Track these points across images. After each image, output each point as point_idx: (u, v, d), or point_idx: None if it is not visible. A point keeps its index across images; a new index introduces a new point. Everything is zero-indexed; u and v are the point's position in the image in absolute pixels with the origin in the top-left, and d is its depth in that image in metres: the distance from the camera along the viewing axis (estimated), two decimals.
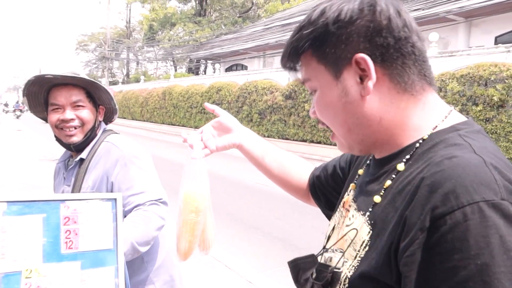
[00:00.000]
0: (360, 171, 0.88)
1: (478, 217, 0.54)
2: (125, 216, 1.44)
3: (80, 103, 1.53)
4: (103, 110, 1.67)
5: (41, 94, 1.57)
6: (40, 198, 1.13)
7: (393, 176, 0.71)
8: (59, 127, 1.54)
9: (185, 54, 34.49)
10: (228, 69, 28.75)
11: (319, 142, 14.58)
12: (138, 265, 1.58)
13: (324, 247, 0.85)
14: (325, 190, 1.08)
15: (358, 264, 0.71)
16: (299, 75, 0.81)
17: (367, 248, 0.70)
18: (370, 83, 0.70)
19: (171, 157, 11.91)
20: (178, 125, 24.05)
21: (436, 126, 0.71)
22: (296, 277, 0.83)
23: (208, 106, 1.12)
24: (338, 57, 0.72)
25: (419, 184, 0.62)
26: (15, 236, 1.11)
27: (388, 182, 0.72)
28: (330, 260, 0.78)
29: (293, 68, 0.81)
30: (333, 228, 0.88)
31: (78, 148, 1.59)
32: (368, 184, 0.79)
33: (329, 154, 13.89)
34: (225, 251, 4.81)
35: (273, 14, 30.97)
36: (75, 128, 1.54)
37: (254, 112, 17.34)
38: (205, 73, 32.23)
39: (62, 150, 1.70)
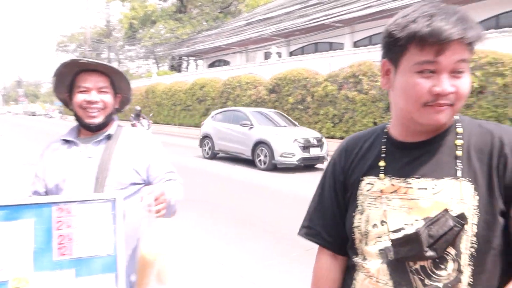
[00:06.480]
0: (382, 163, 0.97)
1: None
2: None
3: (105, 89, 1.76)
4: (119, 98, 1.90)
5: (69, 76, 1.77)
6: (30, 201, 1.04)
7: (459, 137, 0.89)
8: (83, 107, 1.73)
9: (167, 52, 34.16)
10: (211, 65, 28.57)
11: None
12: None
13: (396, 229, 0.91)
14: (344, 233, 1.07)
15: (478, 212, 0.85)
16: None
17: (477, 197, 0.86)
18: None
19: None
20: (162, 123, 23.82)
21: None
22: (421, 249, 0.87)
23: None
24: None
25: (492, 140, 0.87)
26: (4, 243, 1.03)
27: (460, 142, 0.89)
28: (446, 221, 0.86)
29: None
30: (383, 215, 0.94)
31: (97, 128, 1.79)
32: (425, 157, 0.91)
33: None
34: (216, 247, 4.75)
35: (254, 8, 30.85)
36: (98, 110, 1.75)
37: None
38: (187, 70, 31.94)
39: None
